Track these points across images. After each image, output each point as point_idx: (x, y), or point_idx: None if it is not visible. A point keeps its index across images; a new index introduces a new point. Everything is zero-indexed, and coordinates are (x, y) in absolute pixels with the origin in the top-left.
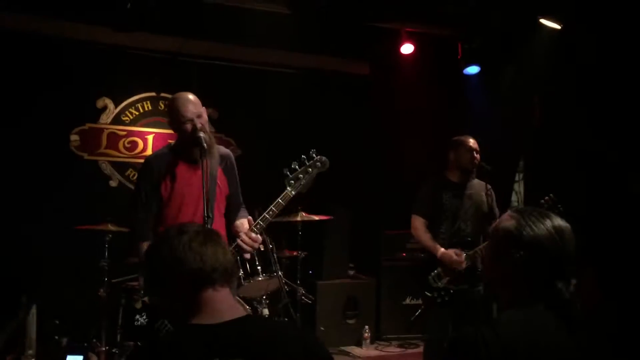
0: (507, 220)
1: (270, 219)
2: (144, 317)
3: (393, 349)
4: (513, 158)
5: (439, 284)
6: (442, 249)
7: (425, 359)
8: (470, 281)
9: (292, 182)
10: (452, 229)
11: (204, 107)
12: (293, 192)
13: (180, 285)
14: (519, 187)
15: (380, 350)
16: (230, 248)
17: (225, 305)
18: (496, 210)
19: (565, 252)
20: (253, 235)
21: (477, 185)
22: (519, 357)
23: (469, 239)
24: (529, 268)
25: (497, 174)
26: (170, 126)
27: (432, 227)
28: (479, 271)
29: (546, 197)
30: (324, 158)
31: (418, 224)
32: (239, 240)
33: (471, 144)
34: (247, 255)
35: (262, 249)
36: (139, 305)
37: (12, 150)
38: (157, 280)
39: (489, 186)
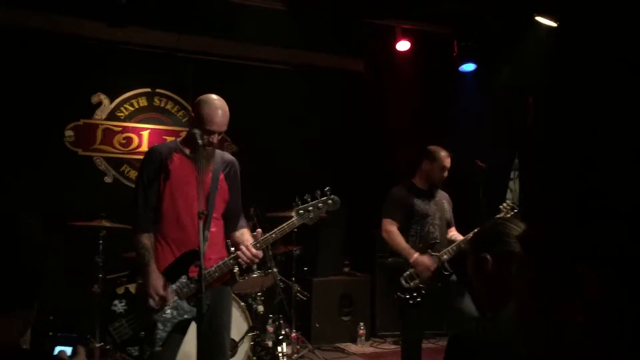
0: (484, 230)
1: (271, 241)
2: (123, 304)
3: (388, 346)
4: (508, 156)
5: (411, 284)
6: (417, 254)
7: (403, 358)
8: (439, 280)
9: (301, 212)
10: (422, 232)
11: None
12: (299, 222)
13: None
14: (514, 185)
15: (375, 347)
16: (226, 259)
17: None
18: (452, 219)
19: None
20: (254, 250)
21: (440, 193)
22: (519, 352)
23: (437, 241)
24: (507, 267)
25: (492, 171)
26: (189, 122)
27: (402, 230)
28: (446, 271)
29: (503, 204)
30: (336, 198)
31: (392, 227)
32: (239, 252)
33: (446, 163)
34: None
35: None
36: (120, 291)
37: (7, 145)
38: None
39: (447, 196)
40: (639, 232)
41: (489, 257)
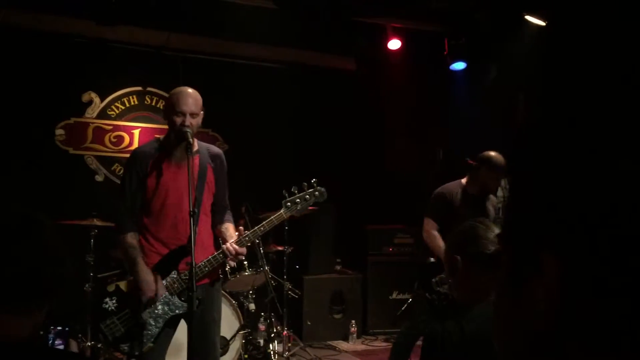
0: (457, 232)
1: (260, 234)
2: (114, 301)
3: (379, 344)
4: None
5: (441, 288)
6: None
7: (395, 348)
8: None
9: (289, 204)
10: None
11: (202, 111)
12: (287, 215)
13: None
14: (504, 183)
15: (367, 345)
16: (216, 253)
17: None
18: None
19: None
20: (239, 248)
21: (490, 199)
22: (482, 346)
23: None
24: (478, 268)
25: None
26: (164, 115)
27: (442, 232)
28: None
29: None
30: (323, 189)
31: (431, 227)
32: (224, 248)
33: (502, 173)
34: (232, 263)
35: (248, 244)
36: (111, 288)
37: None
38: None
39: (496, 200)
40: (602, 230)
41: (459, 258)
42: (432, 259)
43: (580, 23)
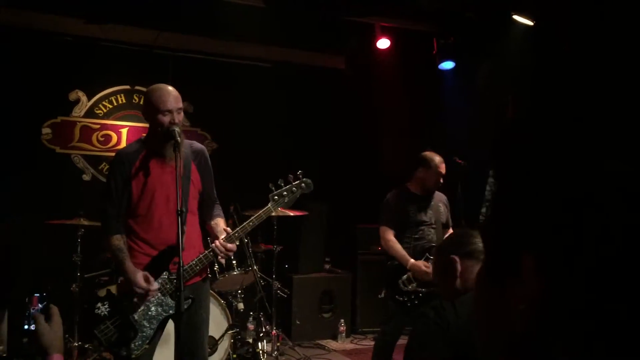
0: (451, 235)
1: (249, 229)
2: (106, 306)
3: (368, 342)
4: (488, 153)
5: (409, 287)
6: (412, 260)
7: (376, 350)
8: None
9: (276, 198)
10: (415, 236)
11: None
12: (275, 209)
13: None
14: (490, 183)
15: (356, 344)
16: (206, 252)
17: None
18: (450, 220)
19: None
20: (228, 245)
21: (437, 197)
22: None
23: (433, 244)
24: (472, 263)
25: (472, 168)
26: (144, 116)
27: (398, 236)
28: None
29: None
30: (309, 181)
31: (389, 235)
32: (213, 247)
33: (441, 169)
34: (222, 260)
35: (237, 244)
36: (102, 293)
37: None
38: None
39: (444, 198)
40: (583, 232)
41: (456, 257)
42: (388, 262)
43: (569, 26)
